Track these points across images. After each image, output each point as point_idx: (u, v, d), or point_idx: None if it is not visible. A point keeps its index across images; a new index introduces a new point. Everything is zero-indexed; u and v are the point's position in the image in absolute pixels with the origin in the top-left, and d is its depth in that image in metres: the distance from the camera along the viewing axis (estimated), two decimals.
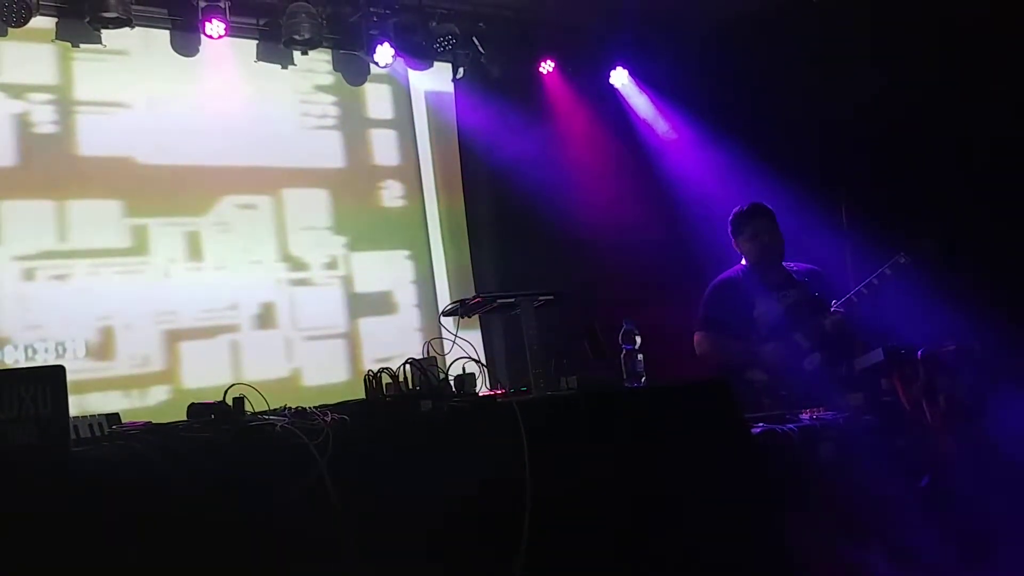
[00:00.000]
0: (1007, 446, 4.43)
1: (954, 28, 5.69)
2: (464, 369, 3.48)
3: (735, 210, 5.28)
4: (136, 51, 5.78)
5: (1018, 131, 5.52)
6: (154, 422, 2.94)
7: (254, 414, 2.96)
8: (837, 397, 4.50)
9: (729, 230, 5.29)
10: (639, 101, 7.35)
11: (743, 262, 5.27)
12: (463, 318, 4.05)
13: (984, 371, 4.68)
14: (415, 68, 6.75)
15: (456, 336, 3.77)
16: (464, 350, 3.60)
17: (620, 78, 7.28)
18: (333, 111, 6.49)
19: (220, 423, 2.85)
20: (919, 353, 4.64)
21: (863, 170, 6.21)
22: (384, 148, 6.66)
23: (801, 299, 5.08)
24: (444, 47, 6.44)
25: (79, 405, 4.91)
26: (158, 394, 5.52)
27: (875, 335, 4.91)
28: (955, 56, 5.75)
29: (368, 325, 6.31)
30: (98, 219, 5.56)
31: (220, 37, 5.73)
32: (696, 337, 5.21)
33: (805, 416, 4.23)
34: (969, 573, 4.05)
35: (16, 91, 5.43)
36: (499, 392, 3.68)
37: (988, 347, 4.72)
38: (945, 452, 4.49)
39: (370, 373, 3.31)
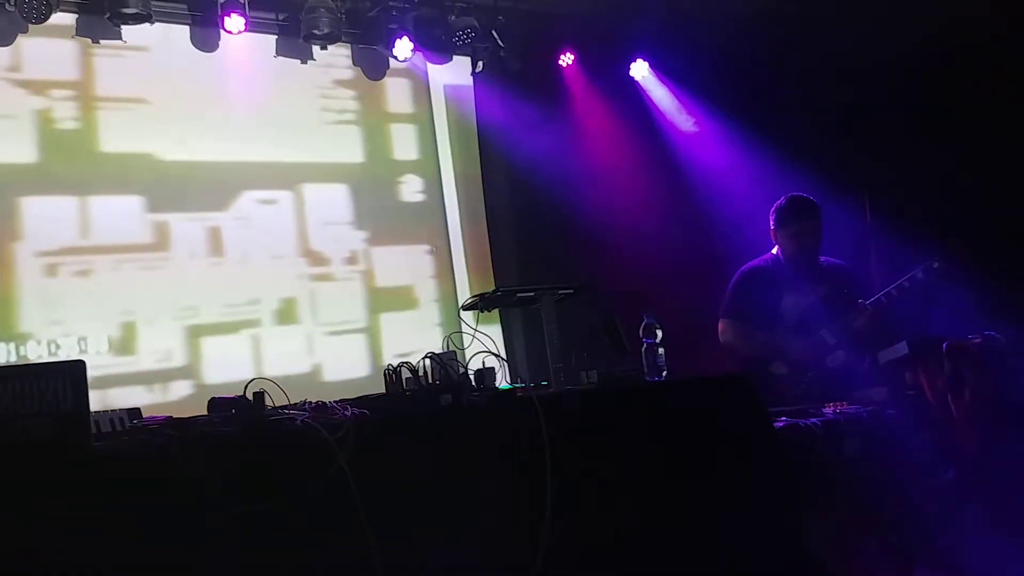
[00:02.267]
0: None
1: (976, 23, 5.63)
2: (484, 363, 3.47)
3: (783, 201, 5.17)
4: (156, 47, 5.79)
5: None
6: (175, 416, 2.94)
7: (274, 408, 2.96)
8: (861, 391, 4.46)
9: (772, 218, 5.18)
10: (660, 93, 7.32)
11: (774, 251, 5.21)
12: (483, 312, 4.03)
13: (1009, 364, 4.63)
14: (434, 62, 6.74)
15: (476, 330, 3.75)
16: (484, 344, 3.59)
17: (640, 70, 7.25)
18: (352, 106, 6.49)
19: (241, 418, 2.85)
20: (944, 346, 4.59)
21: (887, 164, 6.16)
22: (404, 142, 6.65)
23: (829, 295, 5.03)
24: (463, 41, 6.42)
25: (102, 400, 4.96)
26: (180, 389, 5.54)
27: (904, 332, 4.87)
28: (977, 50, 5.70)
29: (388, 320, 6.30)
30: (119, 215, 5.58)
31: (239, 32, 5.74)
32: (721, 325, 5.18)
33: (828, 410, 4.20)
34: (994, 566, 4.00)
35: (37, 87, 5.45)
36: (519, 386, 3.66)
37: (1013, 340, 4.67)
38: (970, 446, 4.44)
39: (390, 367, 3.31)
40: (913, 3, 5.85)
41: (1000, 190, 5.65)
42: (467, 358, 3.55)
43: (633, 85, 7.30)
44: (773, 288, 5.08)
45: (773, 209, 5.19)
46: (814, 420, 4.03)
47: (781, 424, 3.96)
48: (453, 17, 6.37)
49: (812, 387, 4.71)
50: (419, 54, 6.48)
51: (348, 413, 2.90)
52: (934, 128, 5.91)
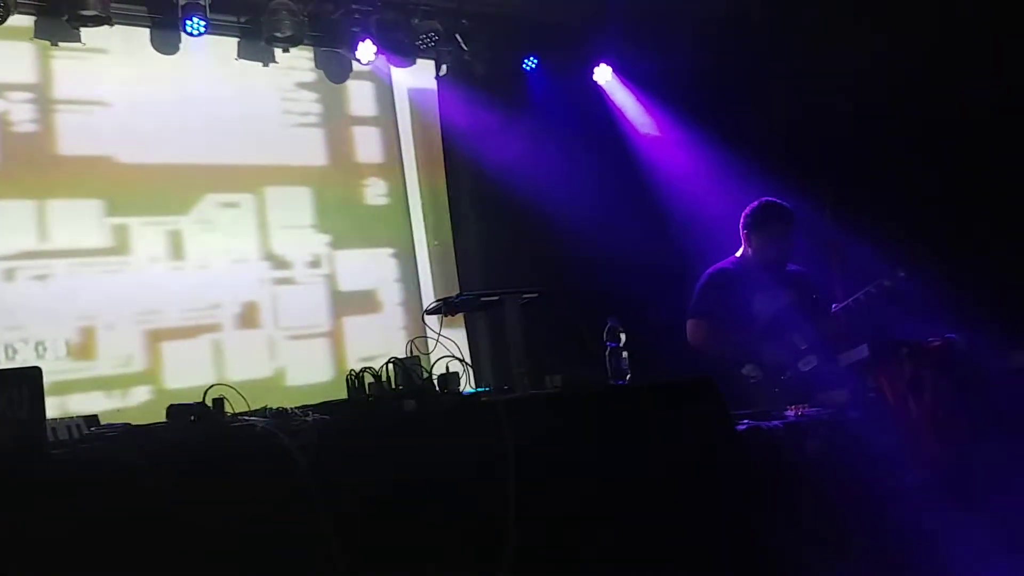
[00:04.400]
0: (988, 439, 4.43)
1: (939, 23, 5.69)
2: (448, 368, 3.45)
3: (759, 204, 5.19)
4: (116, 49, 5.73)
5: (1006, 126, 5.53)
6: (133, 423, 2.91)
7: (235, 415, 2.93)
8: (823, 393, 4.49)
9: (746, 220, 5.20)
10: (623, 98, 7.34)
11: (739, 254, 5.23)
12: (447, 316, 4.02)
13: (969, 366, 4.68)
14: (398, 65, 6.72)
15: (440, 335, 3.74)
16: (448, 349, 3.57)
17: (604, 75, 7.26)
18: (315, 108, 6.45)
19: (200, 425, 2.82)
20: (904, 348, 4.63)
21: (848, 168, 6.21)
22: (367, 145, 6.63)
23: (799, 300, 5.08)
24: (427, 44, 6.40)
25: (60, 406, 4.89)
26: (140, 395, 5.48)
27: (866, 336, 4.92)
28: (940, 53, 5.76)
29: (352, 324, 6.27)
30: (78, 218, 5.51)
31: (200, 35, 5.69)
32: (690, 325, 5.17)
33: (791, 413, 4.22)
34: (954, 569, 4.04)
35: None
36: (483, 391, 3.65)
37: (973, 342, 4.73)
38: (931, 447, 4.48)
39: (353, 373, 3.29)
40: (878, 10, 5.90)
41: (964, 194, 5.72)
42: (431, 363, 3.54)
43: (597, 89, 7.32)
44: (742, 290, 5.10)
45: (747, 212, 5.19)
46: (776, 423, 4.06)
47: (744, 427, 3.98)
48: (416, 20, 6.35)
49: (785, 391, 4.73)
50: (382, 57, 6.45)
51: (310, 419, 2.88)
52: (899, 132, 5.97)
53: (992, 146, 5.60)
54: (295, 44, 6.06)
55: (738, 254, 5.25)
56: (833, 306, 5.05)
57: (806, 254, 5.51)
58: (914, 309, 5.04)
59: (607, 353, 3.88)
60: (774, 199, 5.22)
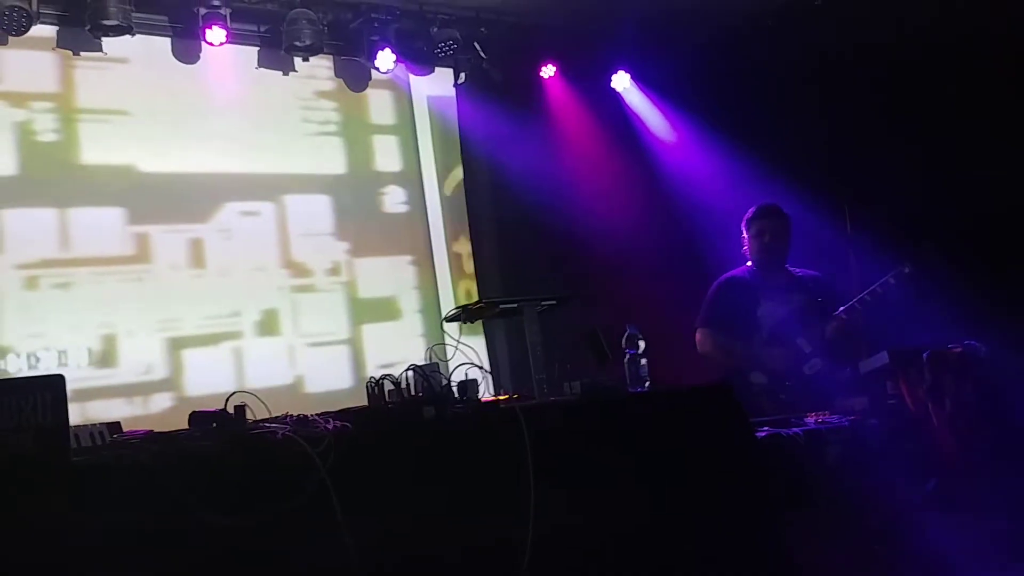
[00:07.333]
0: (1014, 446, 4.41)
1: (958, 30, 5.67)
2: (467, 375, 3.46)
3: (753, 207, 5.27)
4: (137, 59, 5.78)
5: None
6: (156, 430, 2.93)
7: (256, 422, 2.95)
8: (842, 400, 4.48)
9: (742, 225, 5.26)
10: (641, 105, 7.34)
11: (749, 263, 5.25)
12: (466, 324, 4.03)
13: (990, 373, 4.65)
14: (417, 73, 6.76)
15: (459, 342, 3.75)
16: (467, 356, 3.58)
17: (622, 82, 7.26)
18: (335, 117, 6.49)
19: (222, 431, 2.83)
20: (924, 355, 4.62)
21: (867, 173, 6.19)
22: (386, 154, 6.66)
23: (804, 303, 5.08)
24: (445, 52, 6.43)
25: (82, 413, 4.94)
26: (161, 402, 5.51)
27: (878, 339, 4.90)
28: (958, 58, 5.73)
29: (371, 331, 6.30)
30: (100, 227, 5.56)
31: (221, 44, 5.74)
32: (698, 334, 5.20)
33: (810, 420, 4.21)
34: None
35: (17, 99, 5.43)
36: (502, 398, 3.65)
37: (994, 349, 4.70)
38: (951, 454, 4.46)
39: (372, 380, 3.29)
40: (892, 12, 5.89)
41: (983, 198, 5.69)
42: (450, 370, 3.54)
43: (614, 96, 7.32)
44: (749, 297, 5.12)
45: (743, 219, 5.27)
46: (796, 430, 4.04)
47: (763, 434, 3.96)
48: (435, 29, 6.37)
49: (791, 396, 4.74)
50: (401, 65, 6.48)
51: (330, 426, 2.89)
52: (916, 137, 5.95)
53: (1013, 147, 5.56)
54: (315, 53, 6.10)
55: (748, 263, 5.28)
56: (840, 309, 5.03)
57: (823, 257, 5.50)
58: (926, 308, 5.02)
59: (626, 360, 3.87)
60: (768, 202, 5.26)
